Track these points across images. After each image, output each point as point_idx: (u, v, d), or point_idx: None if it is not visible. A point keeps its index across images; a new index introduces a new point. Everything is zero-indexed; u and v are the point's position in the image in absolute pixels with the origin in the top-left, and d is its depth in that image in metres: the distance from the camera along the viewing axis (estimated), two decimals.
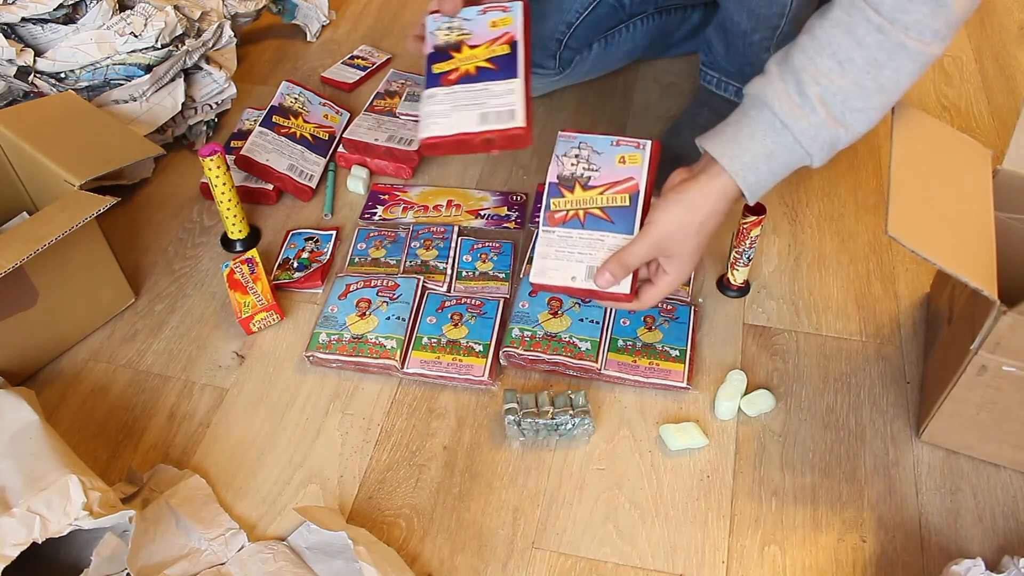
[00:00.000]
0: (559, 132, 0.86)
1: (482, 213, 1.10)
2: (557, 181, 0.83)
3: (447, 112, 0.79)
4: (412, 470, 0.86)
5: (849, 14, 0.69)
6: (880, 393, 0.91)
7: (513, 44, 0.82)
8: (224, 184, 1.00)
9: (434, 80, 0.82)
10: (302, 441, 0.88)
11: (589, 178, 0.83)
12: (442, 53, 0.83)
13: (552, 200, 0.83)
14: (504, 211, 1.10)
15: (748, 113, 0.75)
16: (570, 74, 1.16)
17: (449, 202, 1.11)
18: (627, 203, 0.81)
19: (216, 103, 1.24)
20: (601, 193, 0.82)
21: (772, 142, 0.73)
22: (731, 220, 1.08)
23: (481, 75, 0.81)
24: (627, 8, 1.15)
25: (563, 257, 0.81)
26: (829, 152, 0.74)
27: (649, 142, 0.84)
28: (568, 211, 0.82)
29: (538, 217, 1.08)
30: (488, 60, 0.82)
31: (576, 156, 0.84)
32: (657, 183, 0.84)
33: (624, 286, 0.79)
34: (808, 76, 0.71)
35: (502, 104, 0.79)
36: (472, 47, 0.83)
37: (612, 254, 0.78)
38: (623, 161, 0.83)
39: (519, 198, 1.12)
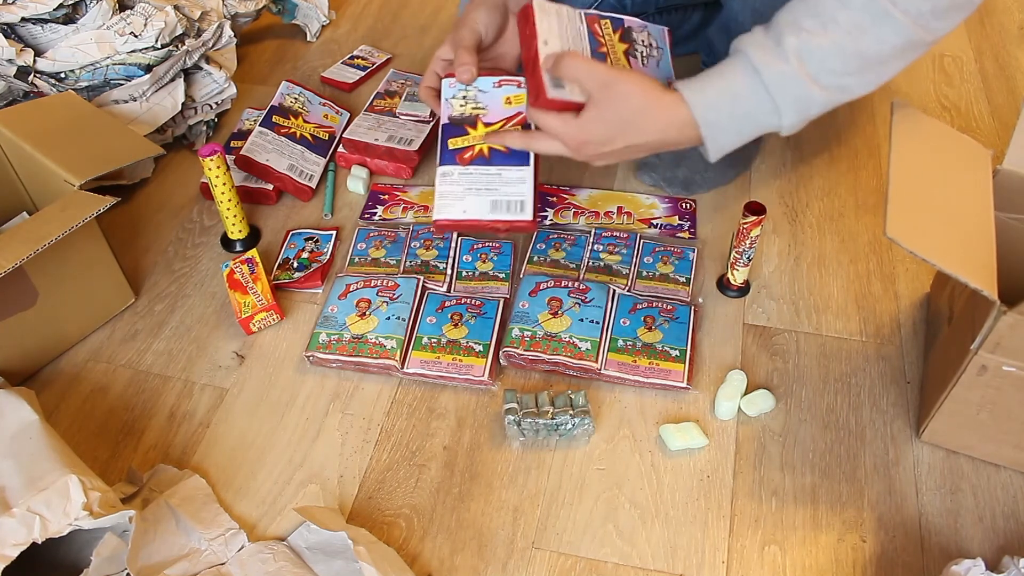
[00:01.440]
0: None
1: None
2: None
3: (460, 195, 0.84)
4: (412, 470, 0.86)
5: None
6: (880, 393, 0.91)
7: (526, 127, 0.85)
8: (224, 184, 1.00)
9: (449, 157, 0.85)
10: (302, 441, 0.88)
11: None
12: (457, 126, 0.87)
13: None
14: None
15: (725, 62, 0.75)
16: None
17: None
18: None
19: (216, 103, 1.24)
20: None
21: (739, 84, 0.73)
22: (731, 220, 1.09)
23: (494, 158, 0.85)
24: (628, 9, 1.15)
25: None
26: (800, 114, 0.74)
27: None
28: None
29: (538, 217, 1.08)
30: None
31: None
32: None
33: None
34: (789, 30, 0.71)
35: (513, 193, 0.84)
36: (487, 124, 0.86)
37: (576, 52, 0.79)
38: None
39: None
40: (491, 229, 0.85)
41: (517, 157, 0.85)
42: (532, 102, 0.81)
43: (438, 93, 0.89)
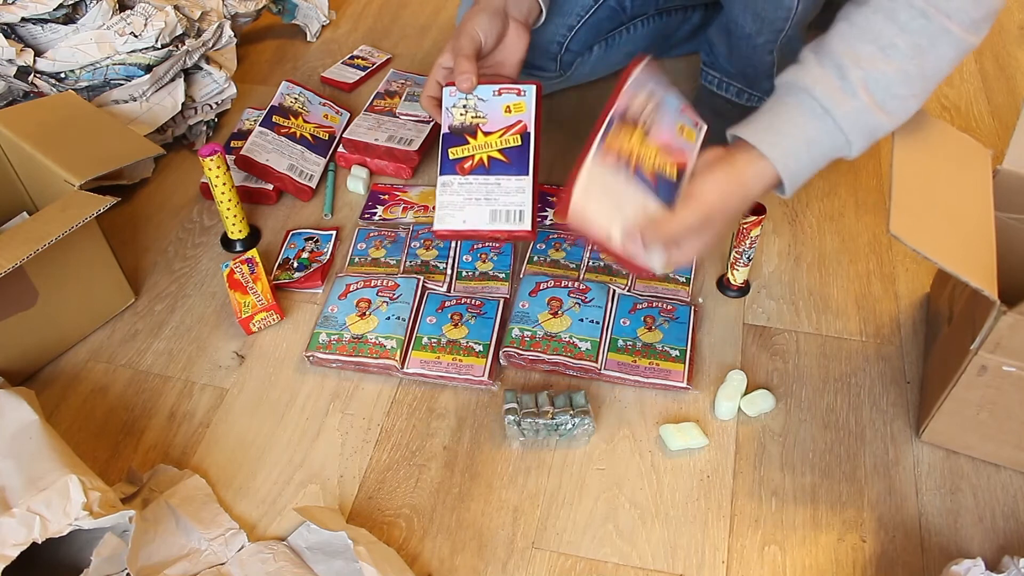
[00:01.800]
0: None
1: None
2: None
3: (460, 204, 0.85)
4: (412, 470, 0.86)
5: (890, 0, 0.69)
6: (880, 393, 0.91)
7: (525, 136, 0.86)
8: (224, 184, 1.00)
9: (449, 166, 0.86)
10: (302, 441, 0.88)
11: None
12: (457, 136, 0.87)
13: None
14: None
15: (784, 101, 0.73)
16: (571, 76, 1.16)
17: None
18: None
19: (216, 103, 1.24)
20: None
21: (813, 128, 0.72)
22: None
23: (494, 167, 0.85)
24: (628, 10, 1.15)
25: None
26: (868, 141, 0.73)
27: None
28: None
29: (538, 217, 1.08)
30: (500, 151, 0.86)
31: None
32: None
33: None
34: (849, 61, 0.70)
35: (512, 203, 0.84)
36: (486, 133, 0.86)
37: (650, 220, 0.74)
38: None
39: None
40: (491, 238, 0.86)
41: (516, 167, 0.85)
42: (639, 276, 0.91)
43: (440, 102, 0.89)
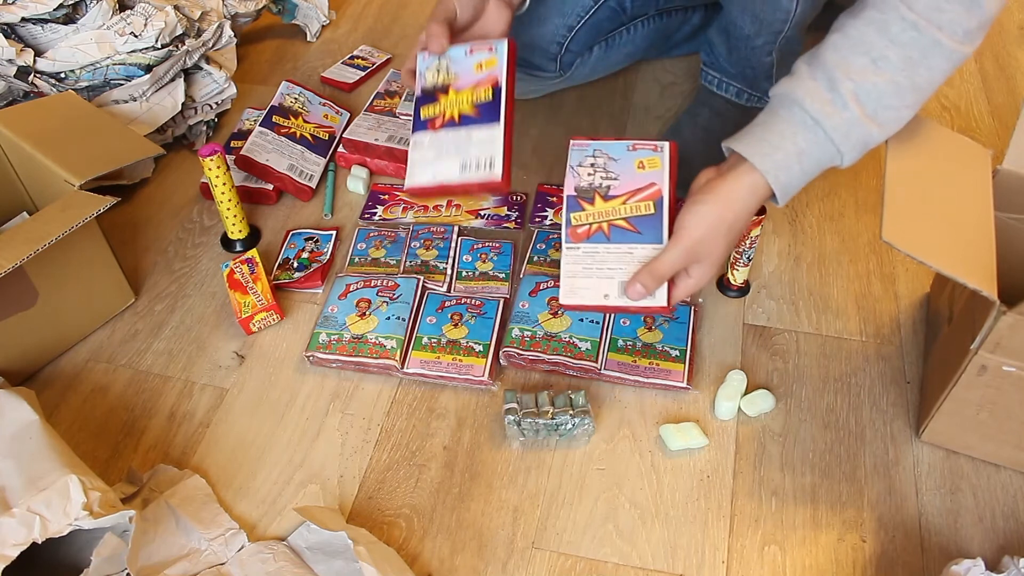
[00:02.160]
0: (571, 141, 0.84)
1: (482, 213, 1.10)
2: (575, 194, 0.81)
3: (431, 160, 0.82)
4: (412, 470, 0.86)
5: (882, 12, 0.69)
6: (880, 393, 0.91)
7: (496, 90, 0.83)
8: (224, 184, 1.00)
9: (421, 125, 0.84)
10: (302, 441, 0.88)
11: (609, 187, 0.80)
12: (429, 95, 0.85)
13: (572, 215, 0.80)
14: (504, 211, 1.10)
15: (777, 112, 0.74)
16: (571, 76, 1.16)
17: (449, 202, 1.11)
18: (652, 211, 0.78)
19: (216, 103, 1.24)
20: (624, 203, 0.79)
21: (803, 140, 0.72)
22: None
23: (464, 121, 0.82)
24: (628, 11, 1.15)
25: (592, 274, 0.78)
26: (860, 151, 0.73)
27: (667, 144, 0.81)
28: (591, 224, 0.80)
29: (538, 217, 1.08)
30: (472, 105, 0.83)
31: (592, 165, 0.82)
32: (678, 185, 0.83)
33: (660, 298, 0.77)
34: (841, 73, 0.70)
35: (482, 153, 0.80)
36: (458, 91, 0.84)
37: (643, 265, 0.76)
38: (642, 166, 0.81)
39: (519, 198, 1.12)
40: (464, 191, 0.83)
41: (487, 116, 0.82)
42: (663, 315, 0.88)
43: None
